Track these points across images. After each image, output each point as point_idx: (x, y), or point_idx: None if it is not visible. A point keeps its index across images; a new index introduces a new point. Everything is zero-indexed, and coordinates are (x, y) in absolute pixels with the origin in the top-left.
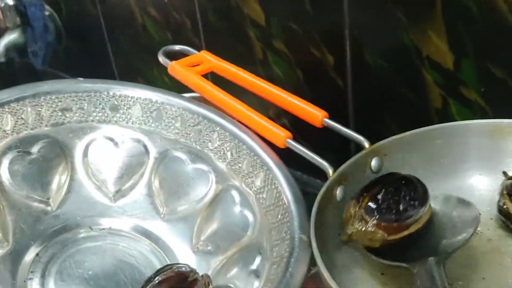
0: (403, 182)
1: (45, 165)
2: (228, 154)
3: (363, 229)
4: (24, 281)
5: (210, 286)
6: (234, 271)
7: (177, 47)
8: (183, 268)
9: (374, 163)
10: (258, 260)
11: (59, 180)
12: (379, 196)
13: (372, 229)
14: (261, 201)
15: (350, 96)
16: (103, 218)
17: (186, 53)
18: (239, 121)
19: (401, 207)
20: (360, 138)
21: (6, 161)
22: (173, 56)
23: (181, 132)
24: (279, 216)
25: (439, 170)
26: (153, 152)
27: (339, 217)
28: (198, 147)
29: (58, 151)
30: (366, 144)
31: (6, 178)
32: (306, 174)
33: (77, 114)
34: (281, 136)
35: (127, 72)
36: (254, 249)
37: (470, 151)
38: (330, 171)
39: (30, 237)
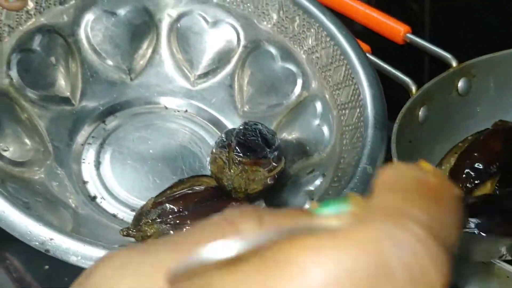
0: (254, 127)
1: (130, 31)
2: (322, 58)
3: (242, 171)
4: (82, 144)
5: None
6: (292, 187)
7: None
8: None
9: (461, 84)
10: (318, 182)
11: (142, 50)
12: (243, 138)
13: (253, 168)
14: (341, 117)
15: (427, 21)
16: (180, 99)
17: None
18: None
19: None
20: (447, 55)
21: (89, 18)
22: None
23: (278, 24)
24: (354, 140)
25: None
26: (244, 41)
27: (420, 140)
28: (292, 44)
29: (146, 18)
30: (454, 63)
31: (85, 35)
32: None
33: None
34: None
35: None
36: (319, 171)
37: None
38: (413, 88)
39: (100, 102)
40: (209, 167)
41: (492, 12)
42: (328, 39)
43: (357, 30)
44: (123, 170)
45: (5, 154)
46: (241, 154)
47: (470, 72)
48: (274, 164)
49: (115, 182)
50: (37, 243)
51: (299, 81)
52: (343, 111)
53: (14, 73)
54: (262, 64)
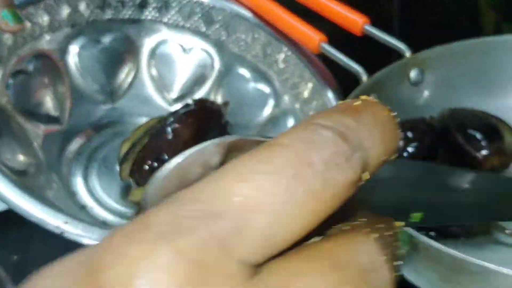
0: None
1: (113, 57)
2: (291, 78)
3: None
4: (70, 159)
5: None
6: None
7: None
8: None
9: (413, 74)
10: None
11: (124, 75)
12: None
13: None
14: None
15: (393, 13)
16: None
17: None
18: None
19: None
20: (401, 46)
21: (76, 46)
22: None
23: (249, 48)
24: None
25: (482, 87)
26: (219, 65)
27: None
28: (264, 66)
29: (128, 46)
30: (407, 54)
31: (74, 61)
32: None
33: (152, 13)
34: (315, 39)
35: None
36: None
37: None
38: (364, 77)
39: (86, 122)
40: None
41: (454, 5)
42: (297, 61)
43: (315, 19)
44: (109, 182)
45: (8, 163)
46: None
47: (423, 62)
48: None
49: (103, 193)
50: (52, 227)
51: (271, 100)
52: None
53: (11, 92)
54: (236, 86)
